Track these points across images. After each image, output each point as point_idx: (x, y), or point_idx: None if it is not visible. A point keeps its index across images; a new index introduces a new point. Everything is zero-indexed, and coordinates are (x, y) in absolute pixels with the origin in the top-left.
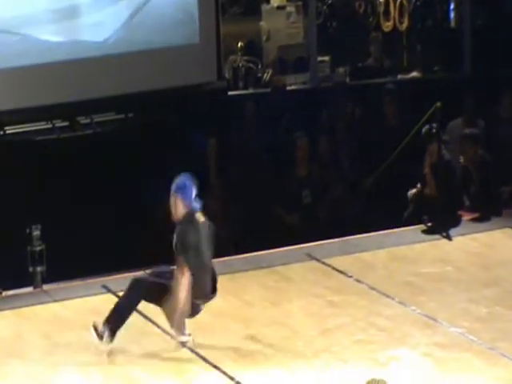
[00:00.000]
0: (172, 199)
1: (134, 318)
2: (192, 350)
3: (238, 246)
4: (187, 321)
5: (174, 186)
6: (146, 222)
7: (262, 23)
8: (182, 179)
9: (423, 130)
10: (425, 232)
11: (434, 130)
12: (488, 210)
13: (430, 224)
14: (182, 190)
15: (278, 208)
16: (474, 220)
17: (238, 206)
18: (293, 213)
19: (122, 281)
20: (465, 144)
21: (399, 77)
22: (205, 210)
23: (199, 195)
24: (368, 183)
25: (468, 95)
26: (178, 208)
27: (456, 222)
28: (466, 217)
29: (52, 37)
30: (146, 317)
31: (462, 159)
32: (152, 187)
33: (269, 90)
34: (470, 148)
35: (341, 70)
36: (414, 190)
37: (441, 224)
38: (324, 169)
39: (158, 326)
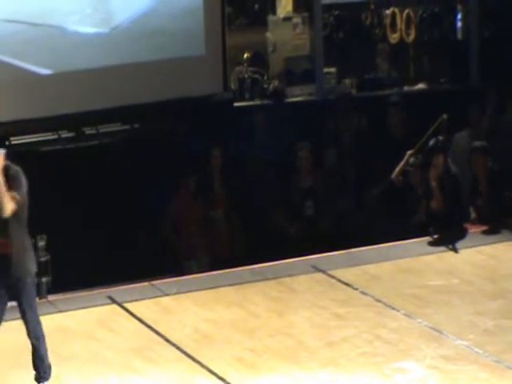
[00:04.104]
0: None
1: (137, 327)
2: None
3: (242, 256)
4: None
5: None
6: (151, 233)
7: (268, 34)
8: None
9: (431, 142)
10: (431, 244)
11: (439, 143)
12: (498, 223)
13: (436, 236)
14: None
15: (281, 219)
16: (483, 232)
17: (241, 216)
18: (295, 224)
19: (127, 291)
20: (474, 156)
21: (405, 88)
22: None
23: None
24: (373, 195)
25: (474, 107)
26: None
27: (462, 234)
28: (472, 229)
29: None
30: (149, 326)
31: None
32: (158, 198)
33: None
34: (479, 160)
35: (347, 81)
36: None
37: (447, 236)
38: (328, 180)
39: (162, 336)
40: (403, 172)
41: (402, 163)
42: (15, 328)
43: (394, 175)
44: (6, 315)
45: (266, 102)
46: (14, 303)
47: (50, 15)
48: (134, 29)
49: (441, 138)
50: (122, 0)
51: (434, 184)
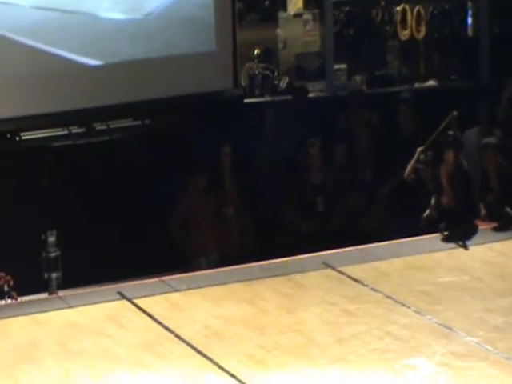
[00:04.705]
0: None
1: (147, 323)
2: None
3: (252, 252)
4: None
5: None
6: (161, 229)
7: (279, 31)
8: None
9: (442, 138)
10: (441, 240)
11: (451, 139)
12: (508, 220)
13: (446, 233)
14: None
15: (292, 215)
16: (493, 229)
17: (252, 212)
18: (306, 220)
19: (137, 287)
20: (485, 153)
21: (416, 85)
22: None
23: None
24: (384, 192)
25: (484, 104)
26: None
27: (473, 231)
28: (482, 226)
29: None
30: (159, 322)
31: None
32: (168, 194)
33: (285, 97)
34: (490, 157)
35: (357, 78)
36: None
37: (457, 233)
38: (339, 176)
39: (172, 332)
40: (414, 169)
41: (412, 161)
42: (20, 322)
43: (406, 173)
44: (13, 311)
45: (276, 98)
46: (23, 298)
47: None
48: (143, 25)
49: (452, 133)
50: None
51: (445, 180)
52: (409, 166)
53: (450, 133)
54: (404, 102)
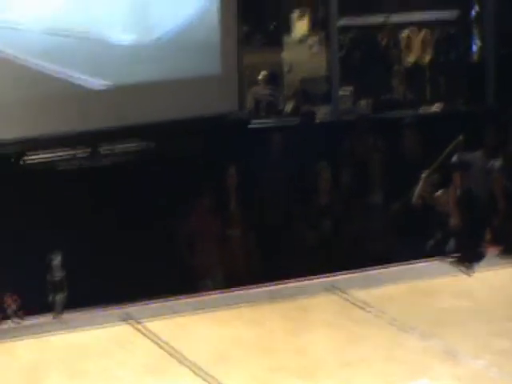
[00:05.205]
0: None
1: (152, 345)
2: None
3: (258, 274)
4: None
5: None
6: (167, 250)
7: (284, 55)
8: None
9: (452, 160)
10: (448, 264)
11: (459, 162)
12: None
13: (453, 257)
14: None
15: (298, 238)
16: (499, 253)
17: (258, 234)
18: (312, 243)
19: (142, 309)
20: (492, 176)
21: (421, 110)
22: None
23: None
24: (390, 215)
25: (489, 128)
26: None
27: (480, 255)
28: (488, 250)
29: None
30: (165, 345)
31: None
32: (174, 216)
33: (290, 120)
34: (497, 180)
35: (363, 102)
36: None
37: (464, 257)
38: (346, 200)
39: (177, 354)
40: (422, 195)
41: (419, 186)
42: (24, 344)
43: (414, 199)
44: (18, 333)
45: (281, 121)
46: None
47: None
48: (149, 48)
49: (460, 156)
50: None
51: (452, 204)
52: (416, 191)
53: (458, 156)
54: (407, 126)
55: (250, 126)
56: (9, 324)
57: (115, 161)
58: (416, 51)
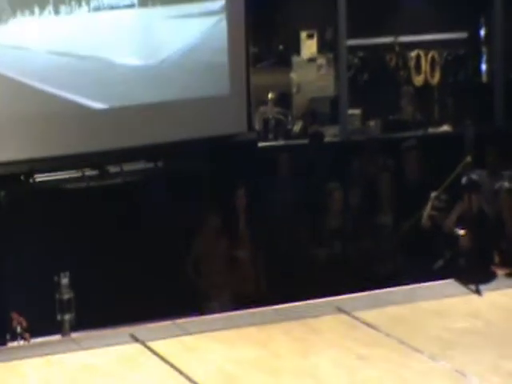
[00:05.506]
0: None
1: (160, 366)
2: None
3: (266, 295)
4: None
5: None
6: (174, 271)
7: (293, 75)
8: None
9: (462, 180)
10: (457, 285)
11: (470, 182)
12: None
13: (462, 277)
14: None
15: (307, 258)
16: (507, 275)
17: (266, 256)
18: (323, 263)
19: (150, 330)
20: (499, 197)
21: (430, 130)
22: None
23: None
24: (399, 235)
25: (498, 149)
26: None
27: (490, 276)
28: (497, 272)
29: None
30: (172, 365)
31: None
32: (181, 237)
33: (298, 141)
34: (506, 201)
35: (371, 123)
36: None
37: (474, 278)
38: (355, 221)
39: (185, 375)
40: (431, 216)
41: (428, 207)
42: (33, 364)
43: (423, 221)
44: (26, 353)
45: (290, 142)
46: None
47: None
48: (158, 69)
49: (471, 176)
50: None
51: (463, 224)
52: (425, 213)
53: (468, 176)
54: (409, 149)
55: (258, 146)
56: (17, 343)
57: (123, 181)
58: (425, 72)
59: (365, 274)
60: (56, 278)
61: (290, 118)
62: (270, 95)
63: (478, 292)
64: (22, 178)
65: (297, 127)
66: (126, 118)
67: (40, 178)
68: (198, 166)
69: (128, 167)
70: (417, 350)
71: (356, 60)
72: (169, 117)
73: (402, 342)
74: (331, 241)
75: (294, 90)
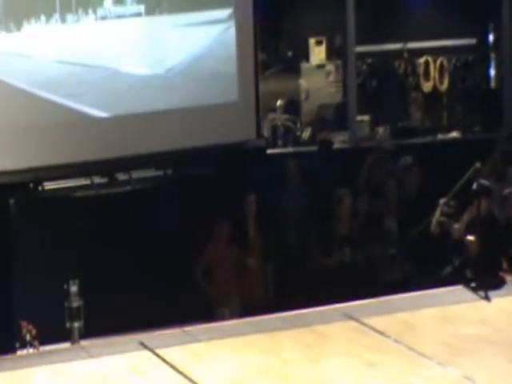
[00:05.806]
0: None
1: (169, 373)
2: None
3: (275, 302)
4: None
5: None
6: (184, 278)
7: (302, 81)
8: None
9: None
10: (465, 292)
11: (481, 188)
12: None
13: (471, 284)
14: None
15: (317, 265)
16: None
17: (276, 262)
18: (332, 270)
19: (159, 337)
20: (508, 203)
21: (439, 137)
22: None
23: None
24: (408, 241)
25: (501, 154)
26: None
27: (499, 283)
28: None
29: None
30: (181, 373)
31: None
32: (191, 243)
33: (307, 148)
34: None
35: (380, 129)
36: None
37: (483, 285)
38: (365, 227)
39: (194, 383)
40: (440, 222)
41: (437, 214)
42: (41, 372)
43: (432, 228)
44: (35, 361)
45: (299, 148)
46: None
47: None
48: (165, 76)
49: (482, 182)
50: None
51: (473, 230)
52: (434, 220)
53: (479, 182)
54: (406, 168)
55: (267, 153)
56: (26, 351)
57: (132, 189)
58: (433, 78)
59: (374, 280)
60: (65, 286)
61: (298, 125)
62: (278, 102)
63: (486, 298)
64: (31, 186)
65: (305, 134)
66: (133, 126)
67: (49, 186)
68: (206, 173)
69: (137, 175)
70: (425, 357)
71: (365, 66)
72: (177, 124)
73: (410, 349)
74: (340, 247)
75: (303, 96)
